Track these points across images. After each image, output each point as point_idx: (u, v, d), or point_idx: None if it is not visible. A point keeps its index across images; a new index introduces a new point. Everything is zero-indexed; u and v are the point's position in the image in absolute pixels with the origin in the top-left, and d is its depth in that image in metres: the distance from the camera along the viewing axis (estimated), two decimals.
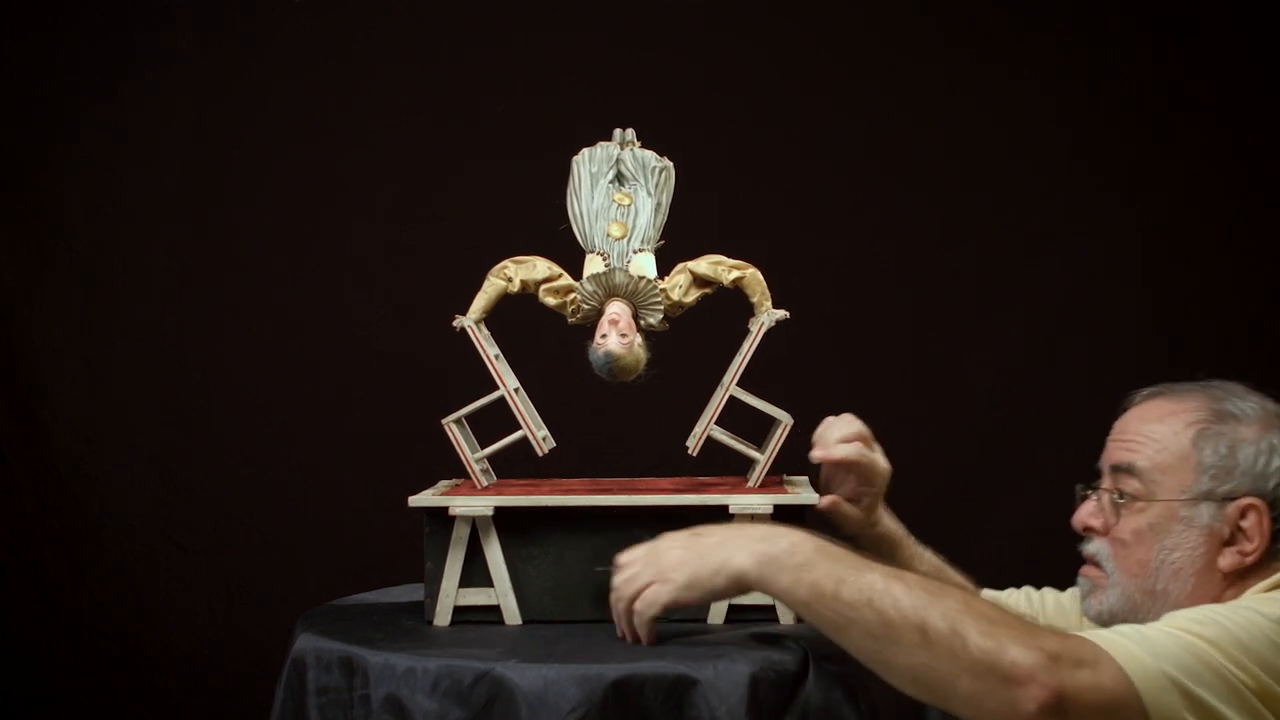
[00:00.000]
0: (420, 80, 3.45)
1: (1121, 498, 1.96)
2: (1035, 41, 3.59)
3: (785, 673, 1.74)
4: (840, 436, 2.07)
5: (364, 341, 3.46)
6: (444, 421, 2.02)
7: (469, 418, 2.06)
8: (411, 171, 3.47)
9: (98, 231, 3.38)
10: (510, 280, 2.05)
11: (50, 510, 3.33)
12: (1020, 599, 2.27)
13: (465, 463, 2.05)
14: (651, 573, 1.80)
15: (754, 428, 2.06)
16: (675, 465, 2.10)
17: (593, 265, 2.03)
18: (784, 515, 1.92)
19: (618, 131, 2.13)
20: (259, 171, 3.42)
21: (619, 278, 2.01)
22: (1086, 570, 2.01)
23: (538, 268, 2.04)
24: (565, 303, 2.04)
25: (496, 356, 2.07)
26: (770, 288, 2.03)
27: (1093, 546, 1.99)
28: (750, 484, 2.02)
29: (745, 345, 2.02)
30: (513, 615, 1.95)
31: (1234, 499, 1.90)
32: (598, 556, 1.92)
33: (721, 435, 2.03)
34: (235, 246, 3.42)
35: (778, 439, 2.01)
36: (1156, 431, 1.96)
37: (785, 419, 2.01)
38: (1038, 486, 3.56)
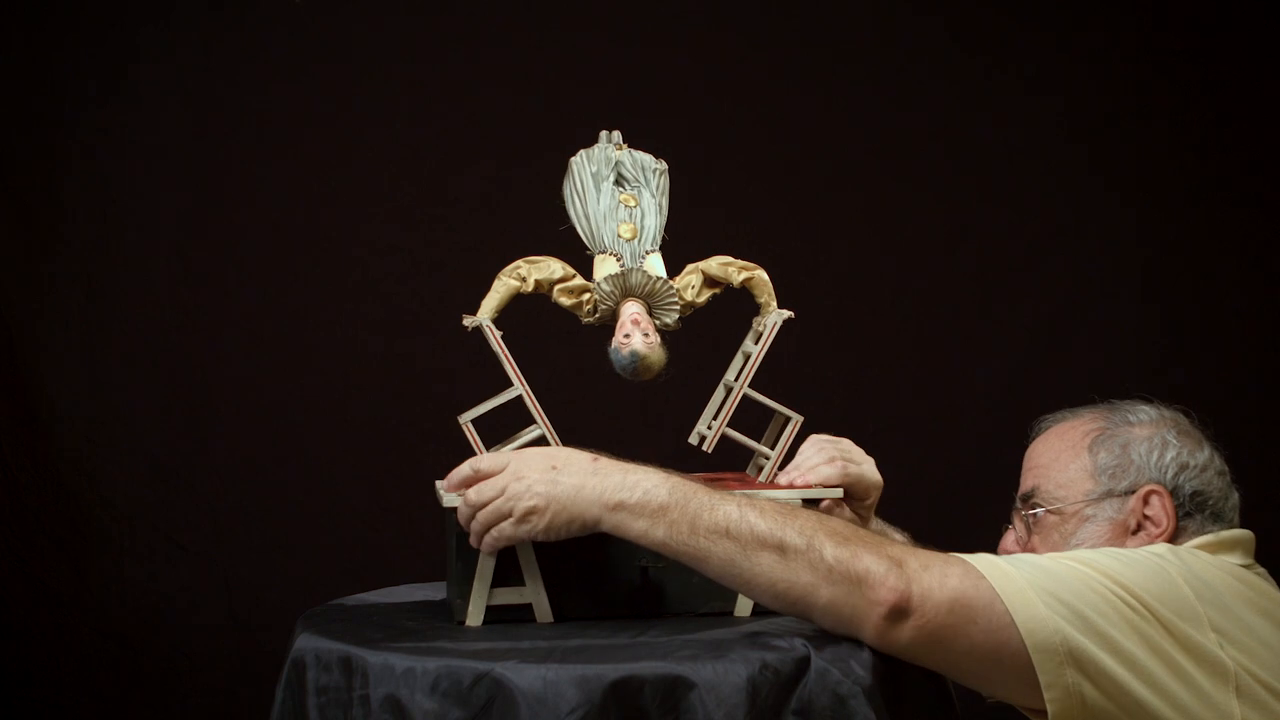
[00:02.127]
0: (420, 80, 3.45)
1: (1034, 515, 2.05)
2: (1035, 42, 3.59)
3: (784, 674, 1.73)
4: (822, 460, 2.08)
5: (364, 341, 3.46)
6: (461, 419, 2.00)
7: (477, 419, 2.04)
8: (412, 171, 3.47)
9: (98, 232, 3.38)
10: (524, 280, 2.02)
11: (50, 510, 3.33)
12: None
13: None
14: (509, 505, 1.84)
15: (750, 425, 2.06)
16: (677, 464, 2.10)
17: (606, 266, 2.03)
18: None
19: (604, 134, 2.13)
20: (259, 171, 3.42)
21: (636, 278, 2.00)
22: None
23: (552, 268, 2.02)
24: (580, 303, 2.02)
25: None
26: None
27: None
28: (761, 479, 2.04)
29: (759, 344, 2.02)
30: (545, 614, 1.93)
31: (1134, 491, 2.00)
32: (632, 551, 1.90)
33: (733, 433, 2.04)
34: (235, 246, 3.42)
35: (788, 436, 2.04)
36: (1055, 452, 2.08)
37: (796, 417, 2.04)
38: None
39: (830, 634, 1.81)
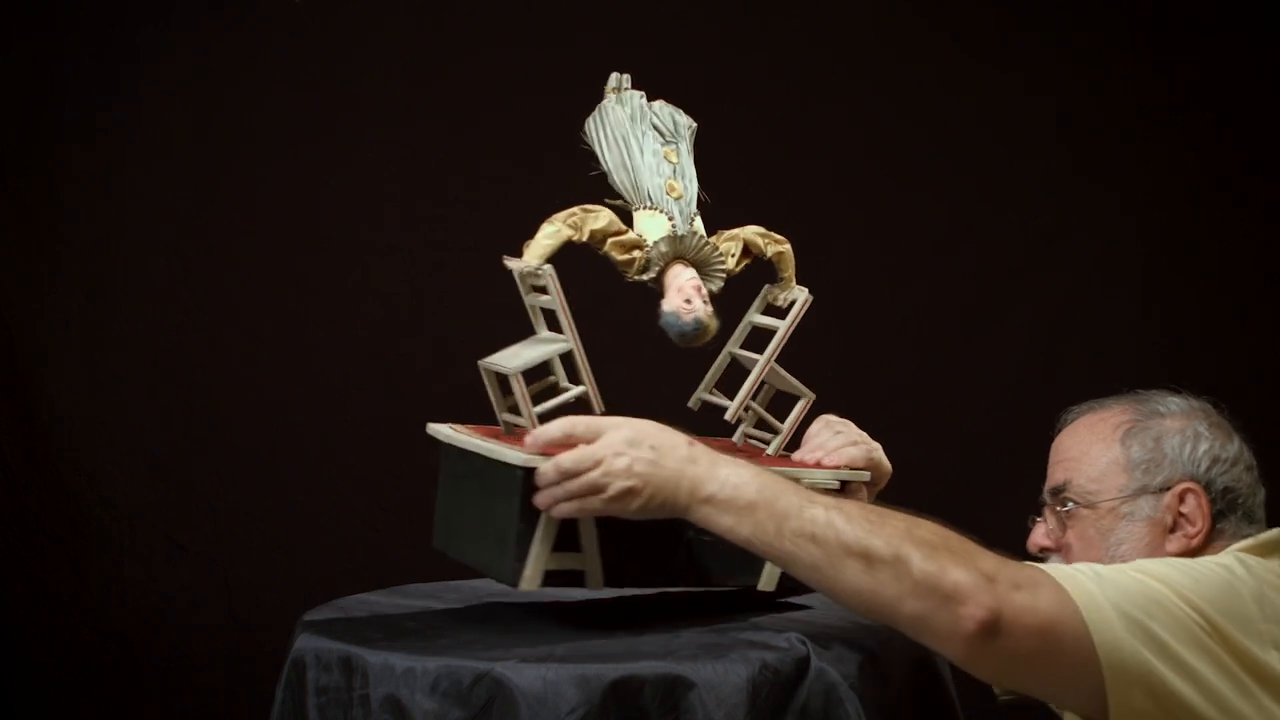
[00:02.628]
0: (421, 80, 3.45)
1: (1066, 510, 2.03)
2: (1035, 42, 3.59)
3: (784, 674, 1.74)
4: (844, 442, 2.07)
5: (364, 341, 3.46)
6: (510, 370, 1.89)
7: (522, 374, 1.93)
8: (412, 171, 3.47)
9: (98, 232, 3.37)
10: (578, 229, 1.93)
11: (50, 510, 3.33)
12: None
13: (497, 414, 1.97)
14: (605, 481, 1.78)
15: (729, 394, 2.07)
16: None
17: (655, 224, 1.96)
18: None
19: (616, 75, 2.06)
20: (259, 171, 3.42)
21: (692, 242, 1.95)
22: None
23: (608, 219, 1.94)
24: (632, 260, 1.94)
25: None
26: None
27: (1050, 563, 2.03)
28: (770, 453, 2.04)
29: (788, 320, 2.01)
30: (597, 581, 1.89)
31: (1169, 488, 1.98)
32: (681, 522, 1.85)
33: (756, 406, 2.05)
34: (235, 246, 3.42)
35: (798, 415, 2.04)
36: (1085, 445, 2.05)
37: (809, 395, 2.04)
38: (1037, 488, 3.56)
39: (830, 635, 1.82)
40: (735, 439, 2.13)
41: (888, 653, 1.84)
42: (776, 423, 2.06)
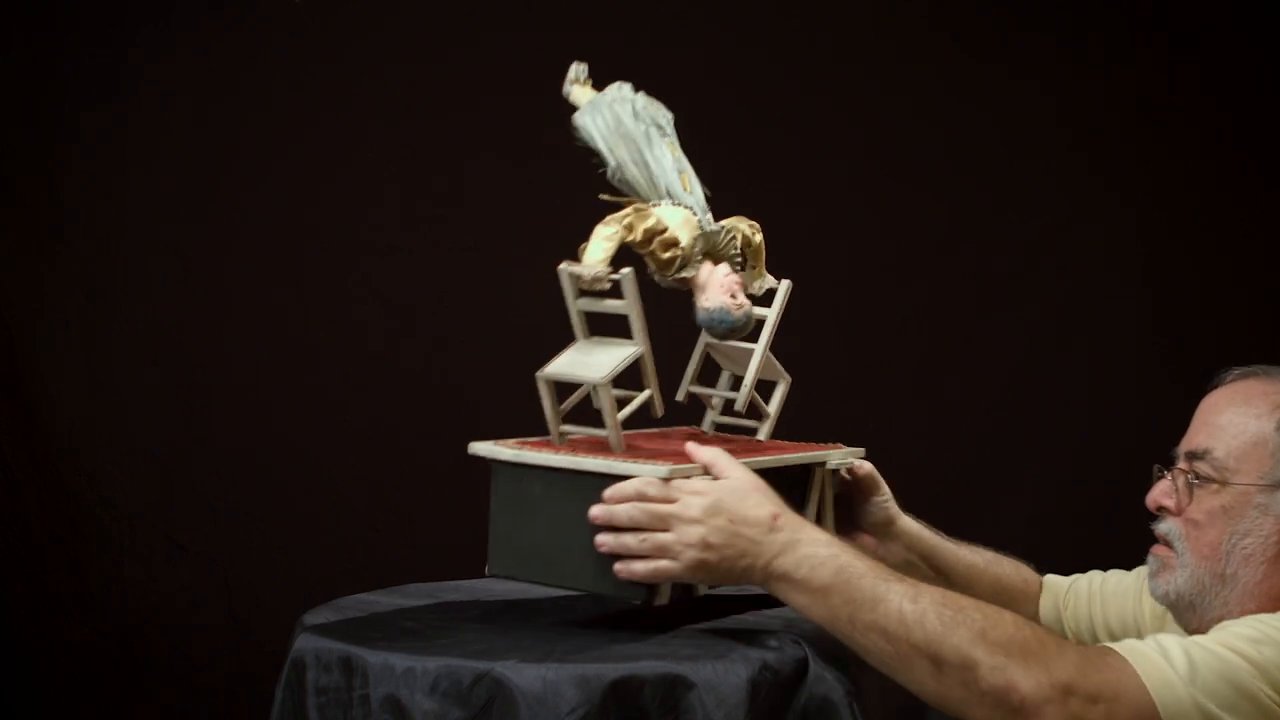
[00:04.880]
0: (420, 80, 3.45)
1: (1197, 479, 1.93)
2: (1035, 41, 3.59)
3: (784, 674, 1.74)
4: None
5: (364, 341, 3.46)
6: (597, 383, 1.84)
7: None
8: (412, 171, 3.47)
9: (98, 232, 3.37)
10: (631, 230, 1.89)
11: (50, 510, 3.33)
12: (1083, 585, 2.25)
13: (610, 423, 1.89)
14: (678, 548, 1.77)
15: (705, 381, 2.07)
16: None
17: (677, 218, 1.92)
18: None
19: (576, 67, 2.04)
20: (259, 171, 3.42)
21: (722, 238, 1.93)
22: (1157, 549, 1.99)
23: (656, 219, 1.91)
24: (671, 259, 1.91)
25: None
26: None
27: (1165, 526, 1.97)
28: (762, 439, 2.02)
29: (775, 308, 1.98)
30: (666, 595, 1.86)
31: None
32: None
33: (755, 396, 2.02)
34: (235, 246, 3.42)
35: (781, 398, 2.03)
36: (1237, 416, 1.93)
37: (786, 377, 2.03)
38: (1038, 487, 3.57)
39: (830, 637, 1.82)
40: (705, 427, 2.11)
41: None
42: (765, 406, 2.04)
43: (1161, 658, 1.70)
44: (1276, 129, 3.60)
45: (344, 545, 3.40)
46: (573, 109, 2.06)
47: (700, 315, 1.93)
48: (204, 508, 3.40)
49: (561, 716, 1.67)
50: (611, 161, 1.96)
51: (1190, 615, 1.94)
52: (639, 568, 1.78)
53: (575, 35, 3.46)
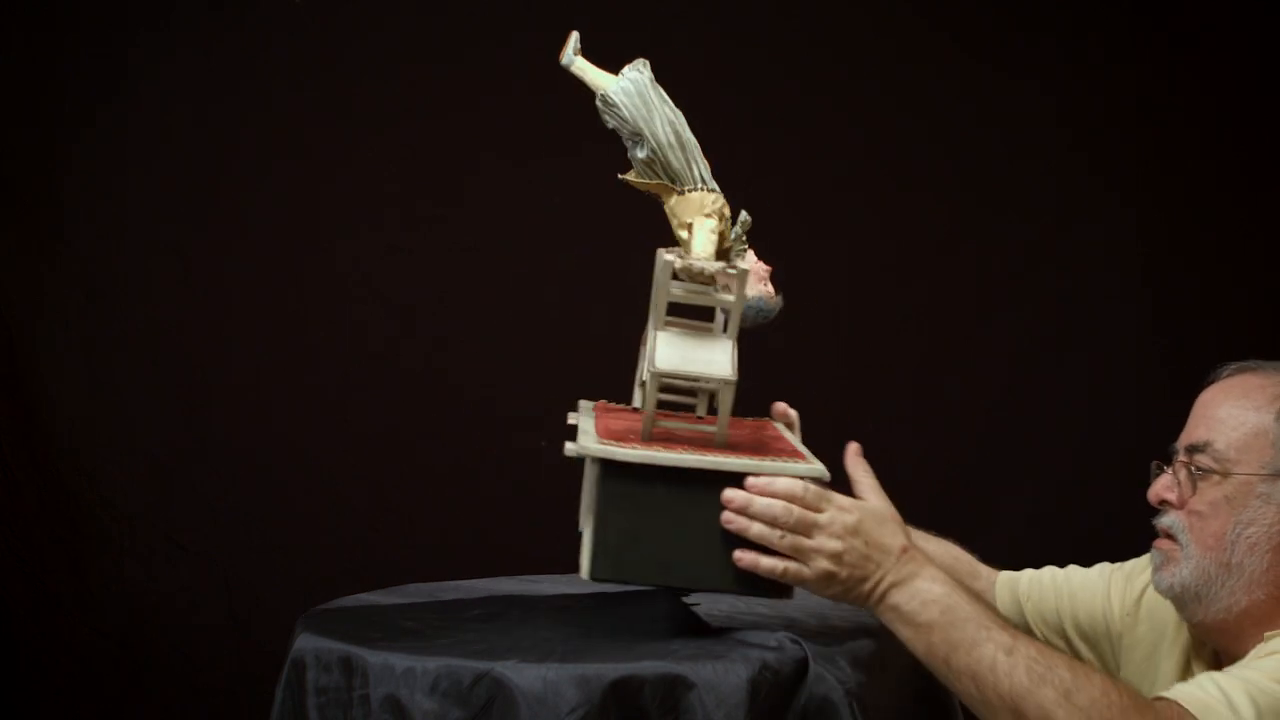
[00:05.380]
0: (420, 80, 3.45)
1: (1199, 470, 1.95)
2: (1035, 42, 3.59)
3: (784, 674, 1.73)
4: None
5: (364, 341, 3.46)
6: (732, 379, 1.82)
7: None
8: (412, 171, 3.47)
9: (98, 232, 3.37)
10: (724, 220, 1.89)
11: (50, 510, 3.33)
12: (1046, 580, 2.27)
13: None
14: (813, 556, 1.79)
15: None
16: None
17: (706, 204, 1.89)
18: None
19: (576, 37, 1.99)
20: (259, 171, 3.42)
21: (745, 219, 1.90)
22: (1160, 543, 2.00)
23: (725, 206, 1.90)
24: (728, 248, 1.89)
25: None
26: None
27: (1167, 519, 1.98)
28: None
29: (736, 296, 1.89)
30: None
31: None
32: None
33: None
34: (235, 246, 3.42)
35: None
36: (1236, 408, 1.95)
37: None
38: (1038, 486, 3.57)
39: (831, 636, 1.82)
40: (699, 413, 2.06)
41: (887, 653, 1.84)
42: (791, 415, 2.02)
43: (1228, 710, 1.72)
44: (1276, 129, 3.60)
45: (344, 545, 3.40)
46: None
47: (749, 308, 1.89)
48: (204, 508, 3.40)
49: (561, 716, 1.67)
50: (652, 142, 1.91)
51: (1196, 606, 1.95)
52: (766, 563, 1.79)
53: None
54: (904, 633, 1.79)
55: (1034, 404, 3.57)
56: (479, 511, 3.41)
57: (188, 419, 3.41)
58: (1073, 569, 2.27)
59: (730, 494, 1.80)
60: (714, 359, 1.86)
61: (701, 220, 1.87)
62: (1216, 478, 1.93)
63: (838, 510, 1.80)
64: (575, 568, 1.91)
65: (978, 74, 3.58)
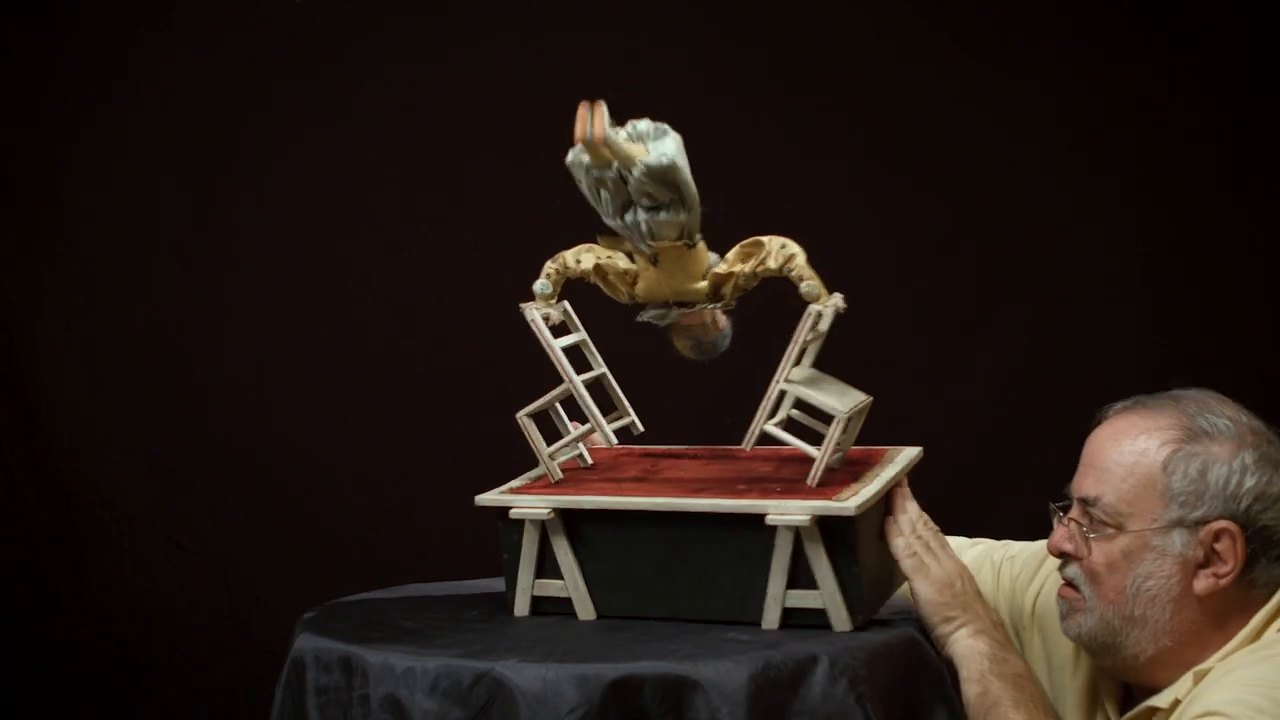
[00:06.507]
0: (420, 80, 3.45)
1: (1091, 524, 1.96)
2: (1035, 42, 3.59)
3: (786, 673, 1.73)
4: (912, 549, 2.05)
5: (364, 341, 3.46)
6: (844, 415, 1.99)
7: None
8: (411, 172, 3.47)
9: (98, 232, 3.38)
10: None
11: (50, 510, 3.33)
12: (999, 558, 2.32)
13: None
14: (909, 553, 1.97)
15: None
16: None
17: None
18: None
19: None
20: (259, 171, 3.42)
21: None
22: (1064, 591, 2.02)
23: None
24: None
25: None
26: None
27: (1070, 571, 2.00)
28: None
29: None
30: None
31: (1206, 523, 1.89)
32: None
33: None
34: (235, 246, 3.42)
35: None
36: (1126, 457, 1.95)
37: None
38: (1038, 487, 3.56)
39: (832, 635, 1.81)
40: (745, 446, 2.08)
41: (889, 652, 1.84)
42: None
43: None
44: (1276, 129, 3.59)
45: (344, 545, 3.40)
46: (575, 109, 2.05)
47: (719, 340, 2.06)
48: (204, 508, 3.40)
49: (561, 716, 1.67)
50: (690, 200, 1.97)
51: (1105, 655, 1.99)
52: (904, 541, 1.99)
53: (575, 36, 3.47)
54: (959, 679, 1.90)
55: (1034, 404, 3.56)
56: (479, 511, 3.40)
57: (188, 419, 3.41)
58: (1003, 560, 2.30)
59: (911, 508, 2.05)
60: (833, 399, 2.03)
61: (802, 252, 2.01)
62: (1111, 531, 1.94)
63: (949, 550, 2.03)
64: None
65: (978, 74, 3.57)
